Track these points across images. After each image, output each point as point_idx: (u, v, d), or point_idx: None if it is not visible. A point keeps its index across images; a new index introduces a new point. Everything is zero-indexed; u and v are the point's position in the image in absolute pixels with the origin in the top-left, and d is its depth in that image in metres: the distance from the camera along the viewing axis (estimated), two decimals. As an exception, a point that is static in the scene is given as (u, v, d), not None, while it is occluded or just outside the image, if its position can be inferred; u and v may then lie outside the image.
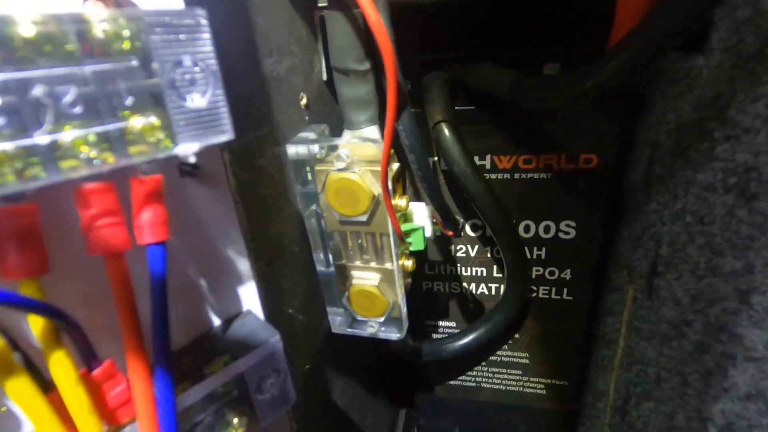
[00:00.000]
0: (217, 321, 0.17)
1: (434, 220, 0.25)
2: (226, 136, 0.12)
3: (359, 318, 0.26)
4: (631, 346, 0.29)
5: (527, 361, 0.37)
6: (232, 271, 0.17)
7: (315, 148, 0.22)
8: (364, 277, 0.25)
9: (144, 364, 0.13)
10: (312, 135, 0.22)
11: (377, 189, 0.21)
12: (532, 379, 0.37)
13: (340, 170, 0.21)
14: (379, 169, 0.21)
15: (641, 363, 0.28)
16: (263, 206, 0.19)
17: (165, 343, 0.13)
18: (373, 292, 0.24)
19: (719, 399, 0.20)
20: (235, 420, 0.14)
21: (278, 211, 0.20)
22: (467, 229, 0.32)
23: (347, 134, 0.24)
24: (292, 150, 0.22)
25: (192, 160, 0.12)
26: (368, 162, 0.21)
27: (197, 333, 0.16)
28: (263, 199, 0.18)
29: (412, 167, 0.20)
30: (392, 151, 0.26)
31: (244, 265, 0.18)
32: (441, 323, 0.37)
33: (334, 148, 0.21)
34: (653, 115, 0.25)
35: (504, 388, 0.38)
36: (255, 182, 0.18)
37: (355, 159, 0.21)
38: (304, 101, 0.23)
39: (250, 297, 0.19)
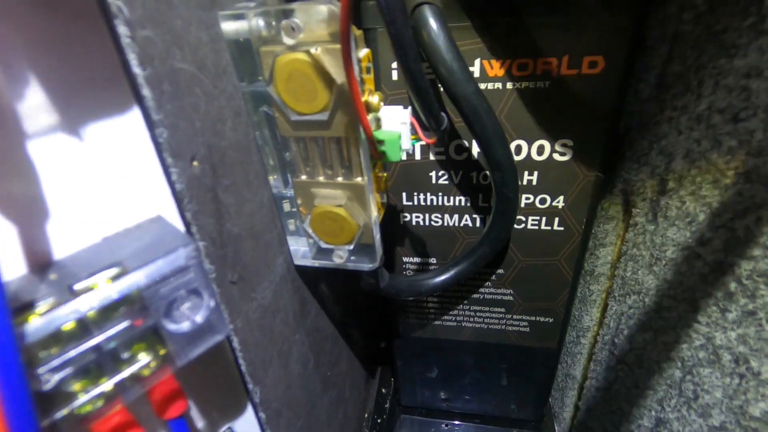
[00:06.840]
0: (111, 229, 0.12)
1: (413, 128, 0.21)
2: None
3: (324, 246, 0.22)
4: (626, 276, 0.27)
5: (511, 298, 0.34)
6: (129, 161, 0.12)
7: (260, 22, 0.17)
8: (329, 196, 0.20)
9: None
10: (253, 4, 0.17)
11: (340, 75, 0.16)
12: (515, 316, 0.35)
13: (291, 48, 0.16)
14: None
15: (638, 293, 0.25)
16: (178, 84, 0.14)
17: None
18: (339, 213, 0.20)
19: (740, 324, 0.17)
20: (140, 355, 0.10)
21: (206, 98, 0.15)
22: (451, 151, 0.28)
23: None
24: (229, 26, 0.17)
25: None
26: (328, 40, 0.16)
27: (75, 245, 0.12)
28: (177, 74, 0.13)
29: (383, 17, 0.14)
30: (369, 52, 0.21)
31: (148, 158, 0.13)
32: (420, 259, 0.33)
33: (286, 14, 0.16)
34: (674, 2, 0.21)
35: (486, 326, 0.36)
36: (163, 47, 0.13)
37: (311, 32, 0.16)
38: (243, -37, 0.18)
39: (162, 203, 0.14)
